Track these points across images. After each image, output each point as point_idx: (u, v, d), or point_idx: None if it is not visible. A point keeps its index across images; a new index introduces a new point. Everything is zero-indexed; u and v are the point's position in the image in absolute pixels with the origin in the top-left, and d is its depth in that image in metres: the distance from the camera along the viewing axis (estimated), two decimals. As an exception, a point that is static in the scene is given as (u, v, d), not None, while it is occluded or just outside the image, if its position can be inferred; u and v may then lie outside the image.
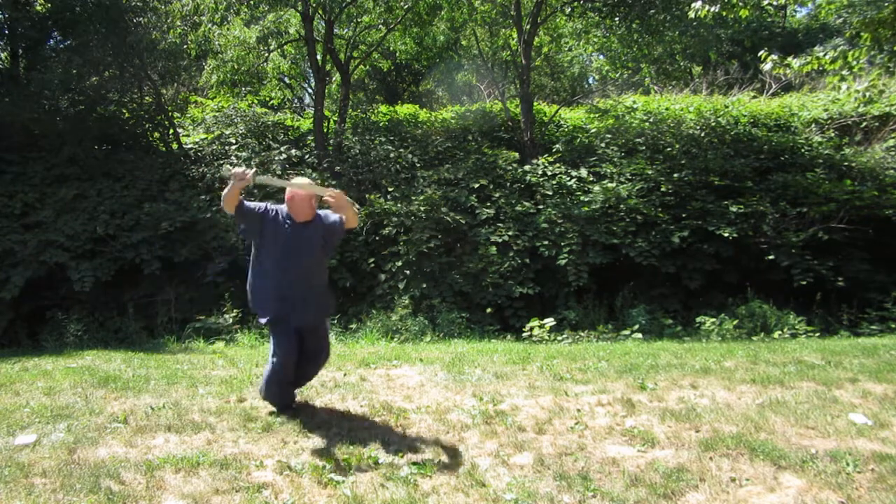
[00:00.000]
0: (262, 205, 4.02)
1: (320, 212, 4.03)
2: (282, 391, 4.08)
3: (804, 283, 8.53)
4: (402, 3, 12.26)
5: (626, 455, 3.28)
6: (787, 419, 3.72)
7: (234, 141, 12.22)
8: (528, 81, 12.20)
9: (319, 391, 4.68)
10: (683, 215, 9.51)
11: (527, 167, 10.93)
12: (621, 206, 9.61)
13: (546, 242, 9.45)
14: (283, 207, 4.00)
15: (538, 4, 11.96)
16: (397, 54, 15.04)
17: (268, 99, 15.29)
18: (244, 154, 11.70)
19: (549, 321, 8.07)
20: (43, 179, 10.32)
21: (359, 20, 13.01)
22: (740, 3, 7.23)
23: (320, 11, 11.78)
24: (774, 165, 10.52)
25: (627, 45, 12.80)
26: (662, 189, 9.84)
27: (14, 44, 11.77)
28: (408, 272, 9.21)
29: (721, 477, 2.97)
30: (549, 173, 10.74)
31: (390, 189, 10.54)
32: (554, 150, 11.52)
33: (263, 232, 3.95)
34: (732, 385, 4.60)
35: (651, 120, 12.13)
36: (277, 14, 12.08)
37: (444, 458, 3.28)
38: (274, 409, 4.12)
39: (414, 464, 3.19)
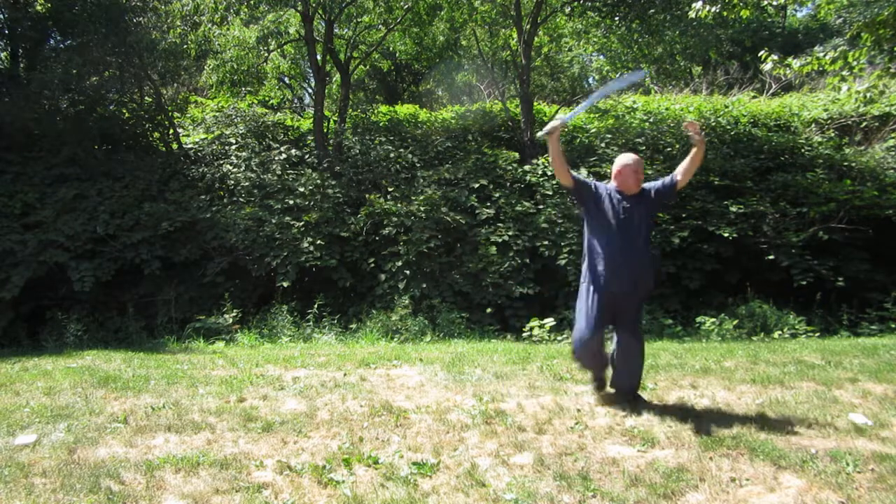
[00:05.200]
0: (591, 181, 4.13)
1: (645, 184, 4.10)
2: (588, 359, 4.08)
3: (804, 283, 8.53)
4: (402, 4, 12.26)
5: (626, 455, 3.28)
6: (787, 419, 3.72)
7: (234, 141, 12.23)
8: (528, 81, 12.20)
9: (319, 391, 4.68)
10: (683, 215, 9.51)
11: (527, 167, 10.93)
12: (621, 206, 9.61)
13: (546, 242, 9.45)
14: (611, 184, 4.07)
15: (538, 4, 11.95)
16: (397, 54, 15.04)
17: (268, 99, 15.29)
18: (244, 154, 11.71)
19: (549, 321, 8.07)
20: (43, 179, 10.32)
21: (359, 20, 13.01)
22: (741, 4, 7.23)
23: (320, 11, 11.78)
24: (774, 165, 10.52)
25: (627, 45, 12.80)
26: (662, 189, 9.83)
27: (14, 44, 11.79)
28: (408, 272, 9.21)
29: (721, 477, 2.97)
30: (549, 173, 10.73)
31: (390, 189, 10.54)
32: (554, 150, 11.51)
33: (599, 206, 3.99)
34: (732, 385, 4.60)
35: (651, 120, 12.13)
36: (277, 14, 12.08)
37: (444, 458, 3.28)
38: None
39: (414, 464, 3.19)
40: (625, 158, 4.05)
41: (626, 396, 4.12)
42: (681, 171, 4.06)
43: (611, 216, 3.95)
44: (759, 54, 7.21)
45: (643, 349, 4.11)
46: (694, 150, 4.01)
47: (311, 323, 8.62)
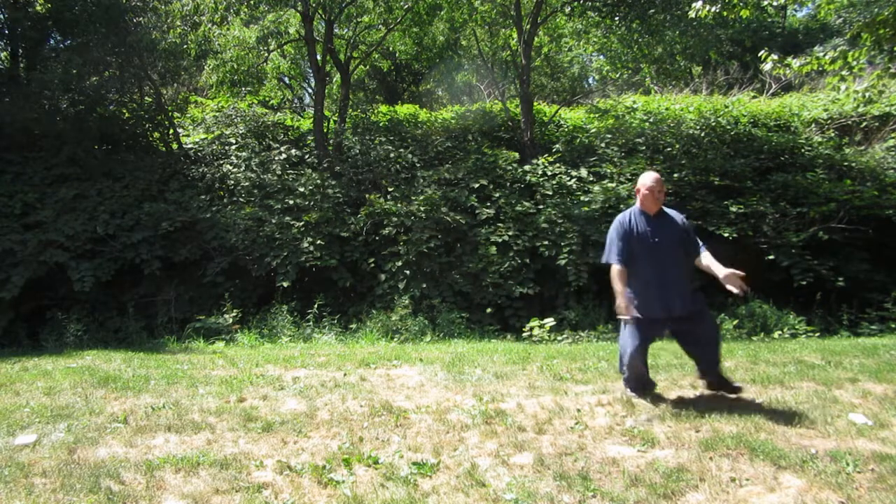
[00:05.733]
0: (619, 234, 4.13)
1: (668, 210, 4.23)
2: (637, 380, 4.29)
3: (804, 283, 8.53)
4: (402, 4, 12.26)
5: (626, 455, 3.28)
6: (787, 419, 3.72)
7: (234, 141, 12.23)
8: (528, 81, 12.20)
9: (319, 391, 4.68)
10: (683, 215, 9.51)
11: (527, 167, 10.93)
12: (621, 206, 9.61)
13: (546, 242, 9.45)
14: (635, 208, 4.19)
15: (538, 4, 11.95)
16: (397, 54, 15.04)
17: (268, 99, 15.30)
18: (244, 154, 11.71)
19: (549, 321, 8.07)
20: (43, 179, 10.32)
21: (359, 20, 13.01)
22: (741, 4, 7.23)
23: (320, 11, 11.79)
24: (774, 165, 10.52)
25: (627, 45, 12.80)
26: (662, 189, 9.84)
27: (14, 44, 11.77)
28: (408, 272, 9.21)
29: (721, 477, 2.97)
30: (549, 173, 10.73)
31: (390, 189, 10.54)
32: (554, 150, 11.52)
33: (632, 241, 4.12)
34: (732, 385, 4.59)
35: (651, 120, 12.13)
36: (277, 14, 12.09)
37: (444, 458, 3.28)
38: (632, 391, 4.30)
39: (414, 464, 3.19)
40: (646, 179, 4.13)
41: (714, 375, 4.22)
42: (707, 261, 4.18)
43: (640, 240, 4.08)
44: (759, 54, 7.20)
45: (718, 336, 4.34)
46: (723, 278, 4.02)
47: (311, 323, 8.62)
